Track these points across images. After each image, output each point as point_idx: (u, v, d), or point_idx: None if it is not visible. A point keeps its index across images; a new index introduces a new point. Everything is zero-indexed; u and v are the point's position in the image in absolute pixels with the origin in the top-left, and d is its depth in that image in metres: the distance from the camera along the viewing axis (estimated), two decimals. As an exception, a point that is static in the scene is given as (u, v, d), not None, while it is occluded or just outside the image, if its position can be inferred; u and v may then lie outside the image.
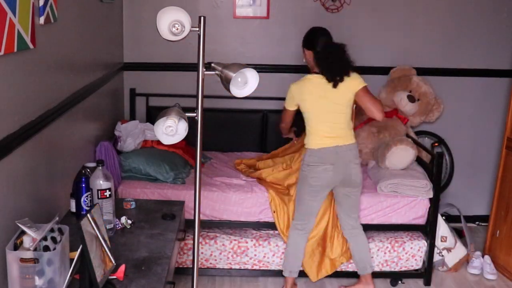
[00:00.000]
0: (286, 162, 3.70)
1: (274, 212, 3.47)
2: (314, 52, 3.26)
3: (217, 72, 2.02)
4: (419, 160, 3.83)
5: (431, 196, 3.52)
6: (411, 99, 4.06)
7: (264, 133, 4.35)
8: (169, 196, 3.44)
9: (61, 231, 2.01)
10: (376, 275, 3.58)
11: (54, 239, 1.94)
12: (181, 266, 3.49)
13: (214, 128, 4.11)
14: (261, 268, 3.57)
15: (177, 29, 1.88)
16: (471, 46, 4.33)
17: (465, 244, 3.83)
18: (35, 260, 1.83)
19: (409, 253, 3.57)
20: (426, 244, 3.56)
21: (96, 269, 1.91)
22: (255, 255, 3.52)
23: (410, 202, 3.54)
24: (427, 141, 4.42)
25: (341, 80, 3.09)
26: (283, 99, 3.33)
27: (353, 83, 3.12)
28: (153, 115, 4.23)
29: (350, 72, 3.11)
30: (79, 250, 1.91)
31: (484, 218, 4.35)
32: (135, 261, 2.25)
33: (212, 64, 2.06)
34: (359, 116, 3.77)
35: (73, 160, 2.85)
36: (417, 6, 4.26)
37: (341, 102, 3.12)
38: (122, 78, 4.26)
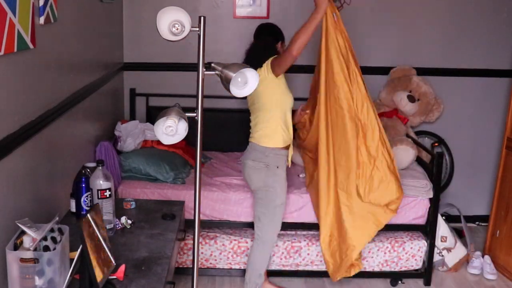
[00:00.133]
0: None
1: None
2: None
3: (217, 72, 2.02)
4: (419, 160, 3.84)
5: (431, 196, 3.52)
6: (411, 99, 4.06)
7: (264, 133, 4.34)
8: (169, 196, 3.44)
9: (61, 231, 2.01)
10: (376, 275, 3.59)
11: (54, 239, 1.94)
12: (181, 266, 3.49)
13: (214, 128, 4.10)
14: (261, 268, 3.57)
15: (177, 29, 1.88)
16: (471, 46, 4.33)
17: (465, 244, 3.83)
18: (35, 260, 1.83)
19: (409, 253, 3.57)
20: (426, 244, 3.56)
21: (96, 269, 1.91)
22: (255, 255, 3.52)
23: (410, 202, 3.53)
24: (427, 141, 4.42)
25: None
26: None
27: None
28: (153, 115, 4.23)
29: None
30: (79, 250, 1.91)
31: (484, 218, 4.35)
32: (135, 261, 2.25)
33: (212, 64, 2.06)
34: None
35: (73, 160, 2.85)
36: (417, 6, 4.26)
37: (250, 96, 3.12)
38: (122, 78, 4.26)
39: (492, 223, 3.88)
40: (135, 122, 3.85)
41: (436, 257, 3.67)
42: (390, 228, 3.60)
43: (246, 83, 1.99)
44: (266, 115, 3.12)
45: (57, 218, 2.04)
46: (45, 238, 1.91)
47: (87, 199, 2.60)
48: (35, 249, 1.86)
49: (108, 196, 2.47)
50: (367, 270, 3.57)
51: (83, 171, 2.63)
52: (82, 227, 1.87)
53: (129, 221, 2.62)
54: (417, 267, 3.62)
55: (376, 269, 3.58)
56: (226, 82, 1.97)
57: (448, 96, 4.31)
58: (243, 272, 3.55)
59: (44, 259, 1.85)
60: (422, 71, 4.25)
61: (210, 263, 3.55)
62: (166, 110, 2.00)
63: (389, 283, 3.59)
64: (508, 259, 3.70)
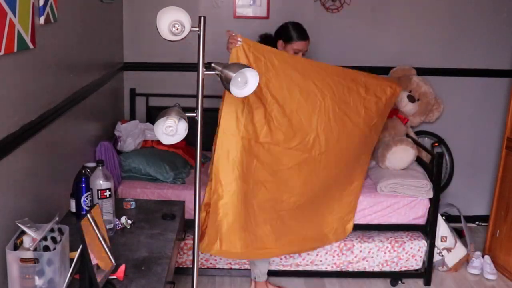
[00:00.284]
0: None
1: None
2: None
3: (217, 72, 2.02)
4: (419, 160, 3.84)
5: (431, 196, 3.52)
6: (411, 99, 4.06)
7: (264, 133, 4.34)
8: (169, 196, 3.44)
9: (61, 231, 2.02)
10: (376, 275, 3.59)
11: (54, 239, 1.94)
12: (181, 266, 3.49)
13: (214, 128, 4.08)
14: (261, 268, 3.56)
15: (177, 29, 1.89)
16: (471, 46, 4.33)
17: (465, 244, 3.83)
18: (35, 260, 1.83)
19: (409, 253, 3.57)
20: (426, 244, 3.56)
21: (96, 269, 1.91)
22: (255, 255, 3.52)
23: (410, 202, 3.53)
24: (427, 141, 4.42)
25: None
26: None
27: None
28: (153, 115, 4.22)
29: None
30: (79, 250, 1.90)
31: (484, 218, 4.35)
32: (135, 261, 2.25)
33: (212, 64, 2.06)
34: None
35: (73, 160, 2.85)
36: (417, 6, 4.26)
37: None
38: (122, 78, 4.26)
39: (492, 223, 3.88)
40: (135, 122, 3.85)
41: (436, 257, 3.67)
42: (390, 228, 3.61)
43: (246, 83, 1.99)
44: None
45: (57, 218, 2.04)
46: (45, 238, 1.91)
47: (87, 199, 2.60)
48: (35, 249, 1.86)
49: (108, 196, 2.47)
50: (367, 270, 3.57)
51: (83, 171, 2.63)
52: (82, 227, 1.87)
53: (129, 221, 2.62)
54: (417, 267, 3.62)
55: (376, 269, 3.58)
56: (226, 82, 1.97)
57: (448, 96, 4.31)
58: (243, 272, 3.55)
59: (44, 259, 1.85)
60: (422, 71, 4.24)
61: (210, 263, 3.54)
62: (166, 110, 2.01)
63: (389, 283, 3.59)
64: (508, 259, 3.70)
